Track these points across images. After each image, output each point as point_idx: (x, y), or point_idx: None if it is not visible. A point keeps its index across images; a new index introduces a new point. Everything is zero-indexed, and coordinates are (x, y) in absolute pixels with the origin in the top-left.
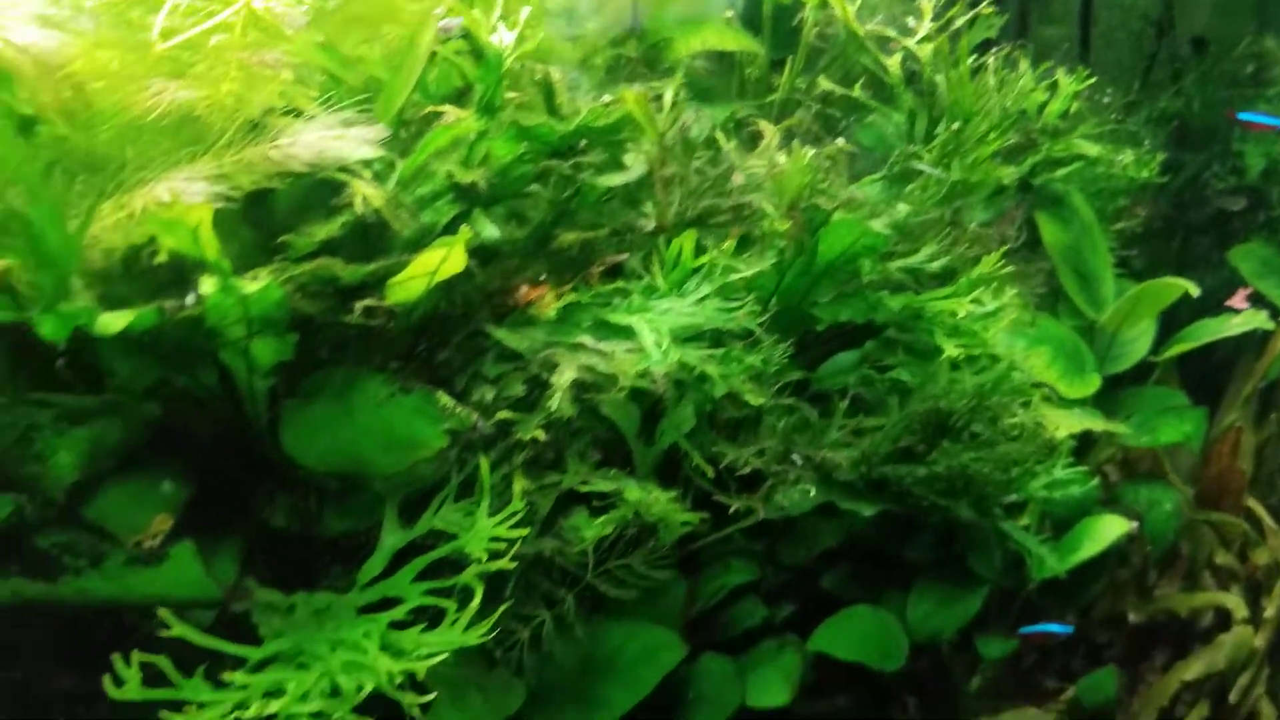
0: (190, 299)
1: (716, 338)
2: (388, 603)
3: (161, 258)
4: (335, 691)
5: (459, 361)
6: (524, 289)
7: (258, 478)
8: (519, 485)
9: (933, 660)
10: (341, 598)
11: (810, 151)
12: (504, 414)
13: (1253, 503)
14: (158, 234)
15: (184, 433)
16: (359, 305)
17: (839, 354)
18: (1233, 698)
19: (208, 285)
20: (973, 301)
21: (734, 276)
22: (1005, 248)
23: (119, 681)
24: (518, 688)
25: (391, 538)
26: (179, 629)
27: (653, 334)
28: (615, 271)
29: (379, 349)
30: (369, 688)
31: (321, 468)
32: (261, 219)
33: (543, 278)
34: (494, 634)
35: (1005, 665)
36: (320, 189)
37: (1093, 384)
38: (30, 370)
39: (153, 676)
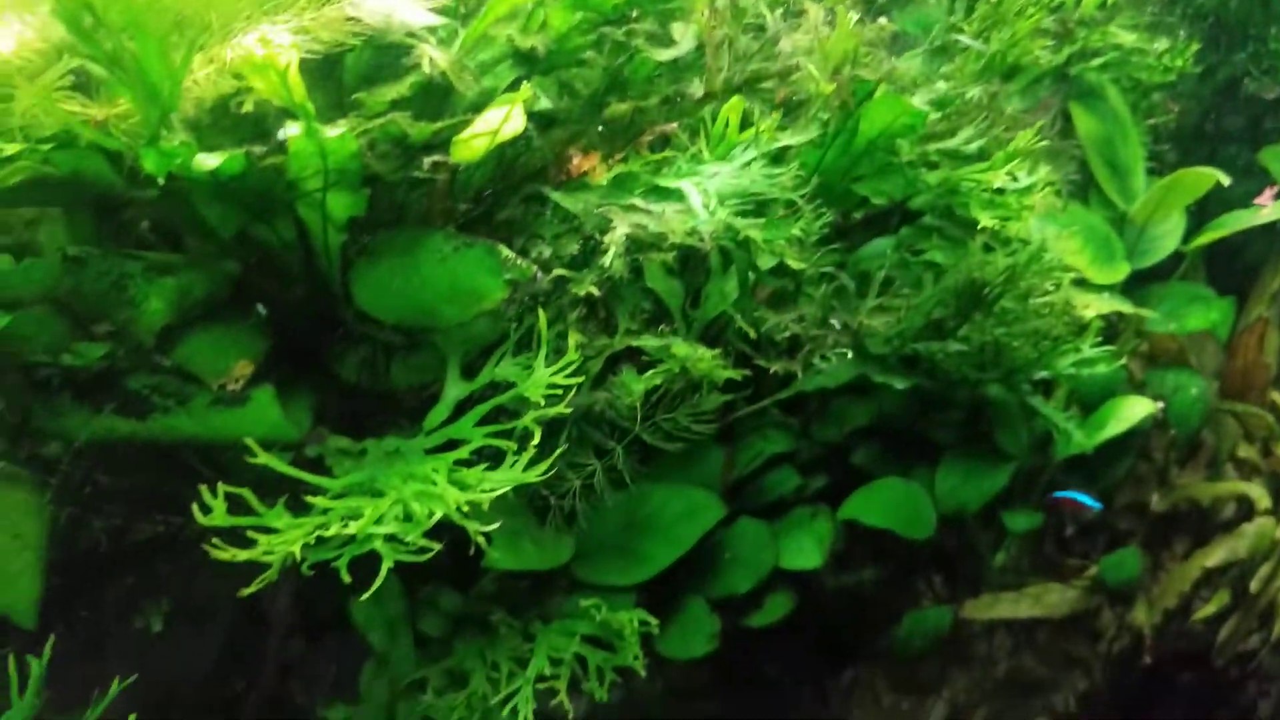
0: (281, 134)
1: (760, 209)
2: (452, 445)
3: (248, 107)
4: (407, 518)
5: (517, 223)
6: (576, 158)
7: (328, 333)
8: (574, 339)
9: (958, 537)
10: (410, 441)
11: (855, 17)
12: (560, 271)
13: (1277, 396)
14: (249, 78)
15: (261, 288)
16: (427, 160)
17: (875, 239)
18: (1254, 587)
19: (293, 128)
20: (1008, 175)
21: (778, 145)
22: (1039, 127)
23: (206, 509)
24: (566, 541)
25: (454, 389)
26: (264, 458)
27: (700, 196)
28: (664, 143)
29: (442, 209)
30: (438, 515)
31: (391, 319)
32: (334, 83)
33: (593, 147)
34: (549, 477)
35: (1029, 543)
36: (388, 53)
37: (1121, 271)
38: (118, 230)
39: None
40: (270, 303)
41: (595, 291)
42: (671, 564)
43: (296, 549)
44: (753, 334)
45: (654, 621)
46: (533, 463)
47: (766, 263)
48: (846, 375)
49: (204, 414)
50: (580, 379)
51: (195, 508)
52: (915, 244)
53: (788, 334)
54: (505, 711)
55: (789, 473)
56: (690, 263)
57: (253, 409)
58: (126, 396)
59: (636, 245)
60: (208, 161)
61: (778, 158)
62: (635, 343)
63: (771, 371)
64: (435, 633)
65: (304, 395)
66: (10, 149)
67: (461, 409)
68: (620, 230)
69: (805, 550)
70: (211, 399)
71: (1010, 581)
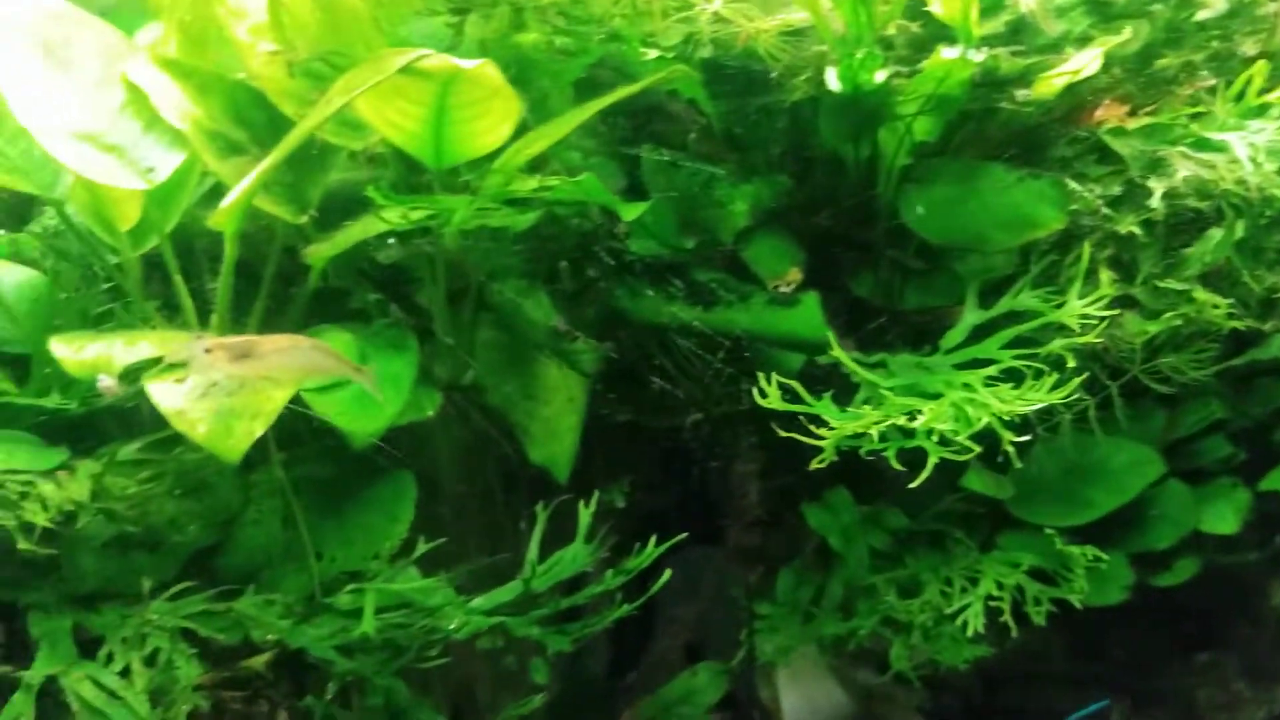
0: (945, 53)
1: None
2: (975, 365)
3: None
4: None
5: (1056, 162)
6: (1103, 105)
7: (849, 252)
8: (1105, 275)
9: None
10: (935, 356)
11: None
12: (1105, 210)
13: None
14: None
15: (801, 205)
16: (1018, 94)
17: None
18: None
19: (951, 50)
20: None
21: None
22: None
23: (763, 394)
24: (1005, 482)
25: (971, 315)
26: (838, 352)
27: (1247, 149)
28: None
29: (999, 140)
30: (984, 421)
31: (938, 239)
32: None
33: (1126, 97)
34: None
35: None
36: None
37: None
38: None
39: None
40: (802, 219)
41: (1137, 231)
42: (1111, 510)
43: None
44: (1258, 288)
45: (1105, 558)
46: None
47: None
48: None
49: (760, 310)
50: (1115, 312)
51: (754, 392)
52: None
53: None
54: (958, 621)
55: (1221, 441)
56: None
57: (802, 311)
58: (694, 287)
59: (1175, 195)
60: (879, 77)
61: None
62: (1161, 284)
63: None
64: (880, 546)
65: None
66: None
67: (975, 334)
68: (1178, 176)
69: (1225, 517)
70: (768, 298)
71: None
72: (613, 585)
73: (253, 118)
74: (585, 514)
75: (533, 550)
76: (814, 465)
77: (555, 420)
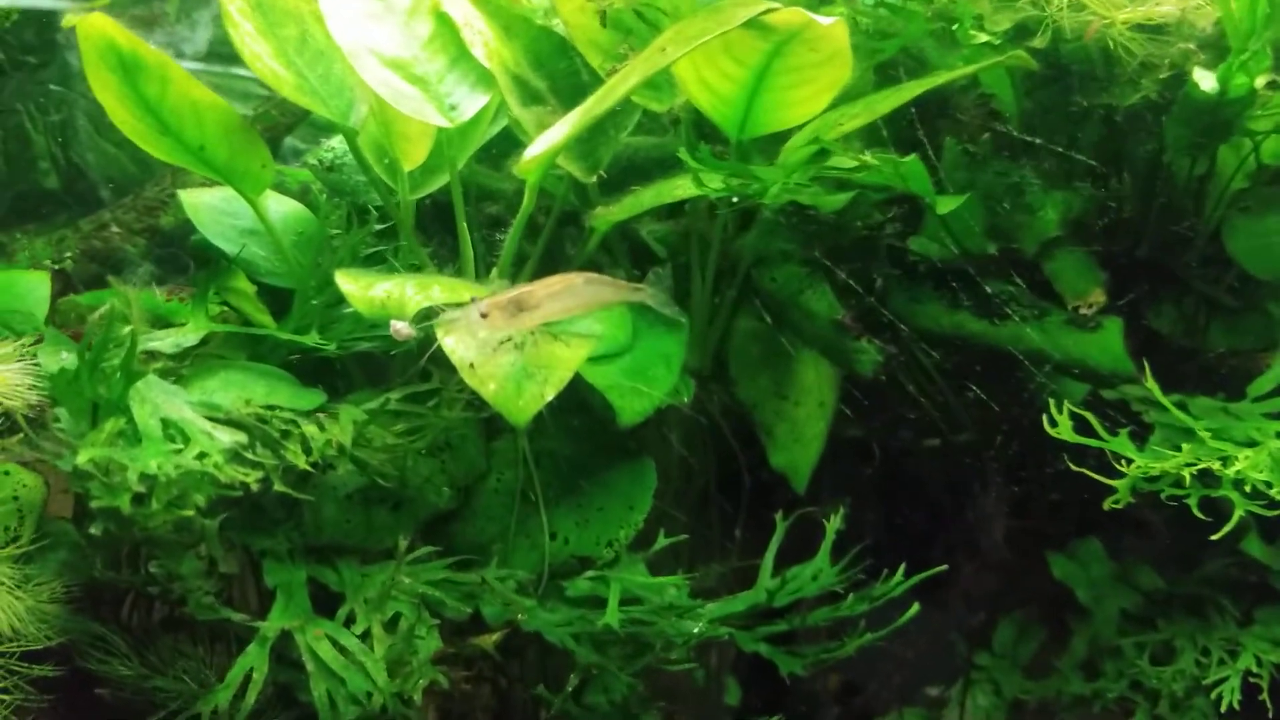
0: None
1: None
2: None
3: None
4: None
5: None
6: None
7: (1151, 281)
8: None
9: None
10: (1242, 404)
11: None
12: None
13: None
14: None
15: (1113, 221)
16: None
17: None
18: None
19: None
20: None
21: None
22: None
23: (1053, 423)
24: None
25: None
26: (1151, 386)
27: None
28: None
29: None
30: None
31: (1263, 275)
32: None
33: None
34: None
35: None
36: None
37: None
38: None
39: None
40: (1105, 238)
41: None
42: None
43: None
44: None
45: None
46: None
47: None
48: None
49: (1054, 331)
50: None
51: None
52: None
53: None
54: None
55: None
56: None
57: (1100, 336)
58: (982, 298)
59: None
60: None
61: None
62: None
63: None
64: (1130, 605)
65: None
66: None
67: None
68: None
69: None
70: (1065, 319)
71: None
72: (855, 611)
73: (554, 66)
74: (830, 529)
75: (767, 561)
76: (1108, 505)
77: (803, 425)
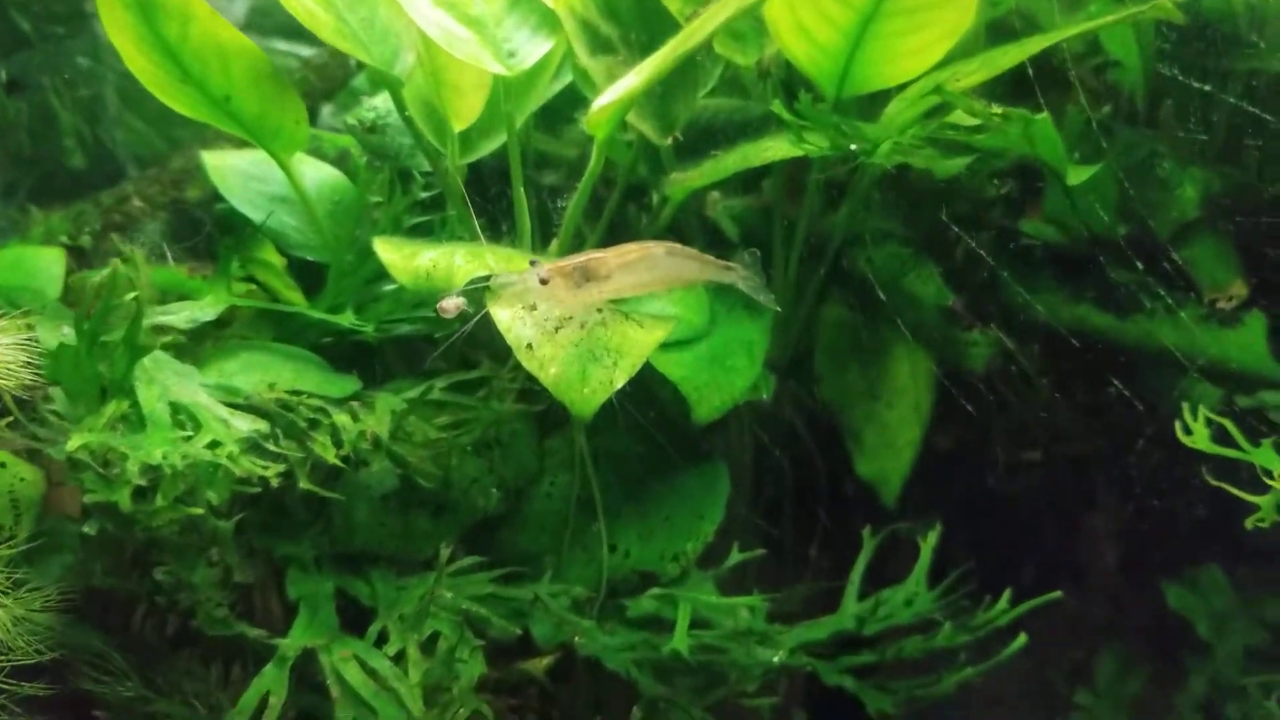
0: None
1: None
2: None
3: None
4: None
5: None
6: None
7: None
8: None
9: None
10: None
11: None
12: None
13: None
14: None
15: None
16: None
17: None
18: None
19: None
20: None
21: None
22: None
23: (1187, 430)
24: None
25: None
26: (1268, 394)
27: None
28: None
29: None
30: None
31: None
32: None
33: None
34: None
35: None
36: None
37: None
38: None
39: None
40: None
41: None
42: None
43: None
44: None
45: None
46: None
47: None
48: None
49: (1188, 327)
50: None
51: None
52: None
53: None
54: None
55: None
56: None
57: (1241, 333)
58: (1107, 288)
59: None
60: None
61: None
62: None
63: None
64: (1252, 641)
65: None
66: None
67: None
68: None
69: None
70: (1202, 313)
71: None
72: (954, 642)
73: (623, 11)
74: (926, 549)
75: (853, 583)
76: (1250, 524)
77: (895, 429)
